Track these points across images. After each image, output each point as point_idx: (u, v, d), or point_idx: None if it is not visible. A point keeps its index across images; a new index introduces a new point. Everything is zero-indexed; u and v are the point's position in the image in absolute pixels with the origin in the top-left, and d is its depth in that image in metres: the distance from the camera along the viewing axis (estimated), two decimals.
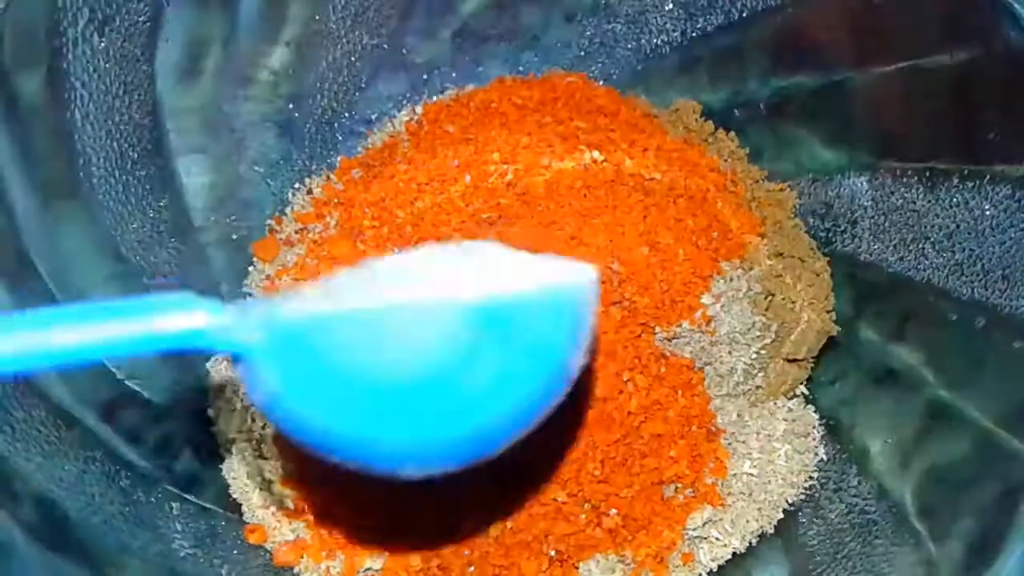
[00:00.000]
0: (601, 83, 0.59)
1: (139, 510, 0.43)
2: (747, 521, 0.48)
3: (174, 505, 0.45)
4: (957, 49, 0.47)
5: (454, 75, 0.59)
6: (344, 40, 0.57)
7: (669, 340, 0.46)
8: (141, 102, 0.48)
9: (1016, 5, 0.44)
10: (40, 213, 0.44)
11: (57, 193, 0.45)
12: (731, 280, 0.48)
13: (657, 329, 0.46)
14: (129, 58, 0.47)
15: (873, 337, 0.52)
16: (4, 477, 0.36)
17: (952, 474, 0.43)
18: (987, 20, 0.45)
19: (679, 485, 0.46)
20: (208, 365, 0.50)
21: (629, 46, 0.60)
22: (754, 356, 0.48)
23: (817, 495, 0.48)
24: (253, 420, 0.48)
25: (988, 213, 0.46)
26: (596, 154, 0.52)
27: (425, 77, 0.59)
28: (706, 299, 0.47)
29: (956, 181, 0.48)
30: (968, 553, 0.37)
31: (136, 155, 0.49)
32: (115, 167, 0.47)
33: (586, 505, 0.44)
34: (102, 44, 0.45)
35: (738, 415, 0.49)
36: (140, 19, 0.47)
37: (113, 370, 0.46)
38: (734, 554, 0.47)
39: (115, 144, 0.47)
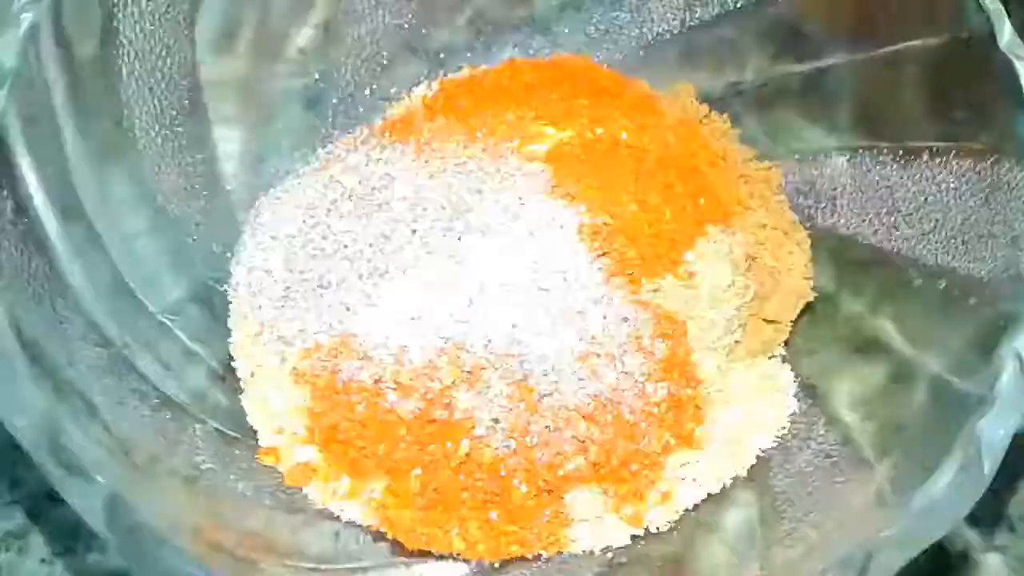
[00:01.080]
0: (605, 67, 0.64)
1: (165, 427, 0.47)
2: (722, 465, 0.51)
3: (197, 427, 0.48)
4: (928, 35, 0.51)
5: (469, 55, 0.64)
6: (368, 21, 0.62)
7: (655, 292, 0.51)
8: (181, 64, 0.53)
9: None
10: (89, 159, 0.48)
11: (105, 142, 0.50)
12: (714, 242, 0.52)
13: (643, 280, 0.50)
14: (172, 22, 0.52)
15: (852, 309, 0.55)
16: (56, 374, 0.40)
17: (910, 420, 0.46)
18: (953, 7, 0.49)
19: (659, 428, 0.50)
20: (231, 306, 0.55)
21: (633, 33, 0.64)
22: (733, 312, 0.52)
23: (788, 444, 0.52)
24: (270, 357, 0.52)
25: (952, 185, 0.50)
26: (596, 128, 0.56)
27: (442, 57, 0.64)
28: (689, 256, 0.51)
29: (926, 157, 0.52)
30: (910, 477, 0.41)
31: (175, 112, 0.53)
32: (155, 121, 0.52)
33: (572, 438, 0.48)
34: (149, 7, 0.50)
35: (717, 367, 0.52)
36: None
37: (147, 304, 0.50)
38: (709, 494, 0.51)
39: (156, 101, 0.52)
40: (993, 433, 0.39)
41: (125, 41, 0.49)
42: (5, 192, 0.42)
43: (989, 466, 0.39)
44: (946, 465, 0.39)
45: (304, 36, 0.61)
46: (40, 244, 0.44)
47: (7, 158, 0.43)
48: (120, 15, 0.49)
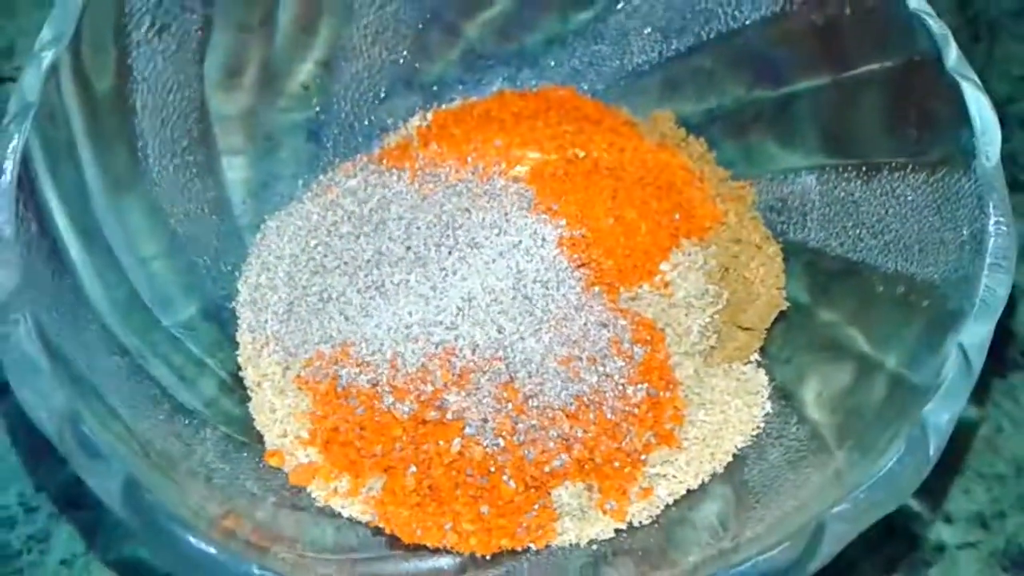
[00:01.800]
0: (589, 97, 0.68)
1: (179, 431, 0.50)
2: (701, 463, 0.54)
3: (208, 431, 0.52)
4: (884, 59, 0.55)
5: (461, 88, 0.68)
6: (365, 57, 0.66)
7: (632, 300, 0.54)
8: (191, 98, 0.57)
9: (929, 20, 0.52)
10: (106, 186, 0.52)
11: (121, 170, 0.54)
12: (688, 254, 0.56)
13: (621, 289, 0.54)
14: (182, 60, 0.56)
15: (824, 317, 0.59)
16: (77, 378, 0.44)
17: (868, 411, 0.50)
18: (905, 33, 0.53)
19: (640, 428, 0.53)
20: (239, 321, 0.58)
21: (614, 65, 0.68)
22: (708, 320, 0.56)
23: (762, 442, 0.55)
24: (275, 366, 0.56)
25: (909, 197, 0.53)
26: (578, 151, 0.60)
27: (435, 89, 0.68)
28: (664, 266, 0.55)
29: (886, 172, 0.55)
30: (864, 458, 0.44)
31: (186, 143, 0.58)
32: (168, 151, 0.56)
33: (557, 436, 0.51)
34: (160, 46, 0.54)
35: (695, 371, 0.56)
36: (193, 28, 0.56)
37: (162, 320, 0.54)
38: (688, 490, 0.54)
39: (169, 132, 0.56)
40: (938, 417, 0.42)
41: (139, 77, 0.53)
42: (31, 214, 0.46)
43: (934, 447, 0.42)
44: (895, 446, 0.42)
45: (305, 72, 0.65)
46: (63, 262, 0.48)
47: (32, 184, 0.47)
48: (134, 53, 0.53)
